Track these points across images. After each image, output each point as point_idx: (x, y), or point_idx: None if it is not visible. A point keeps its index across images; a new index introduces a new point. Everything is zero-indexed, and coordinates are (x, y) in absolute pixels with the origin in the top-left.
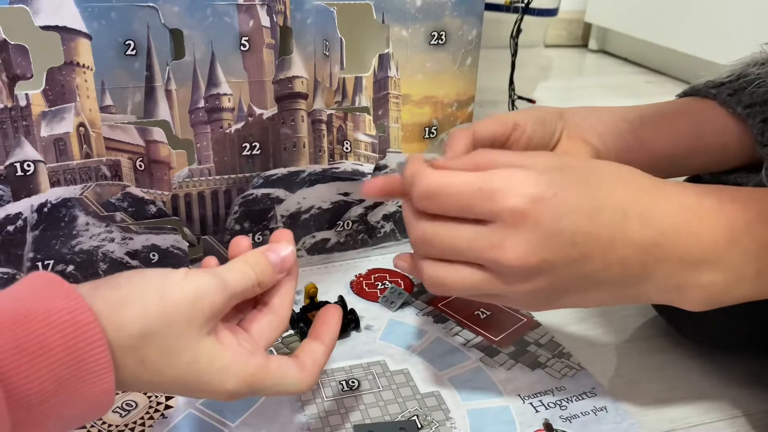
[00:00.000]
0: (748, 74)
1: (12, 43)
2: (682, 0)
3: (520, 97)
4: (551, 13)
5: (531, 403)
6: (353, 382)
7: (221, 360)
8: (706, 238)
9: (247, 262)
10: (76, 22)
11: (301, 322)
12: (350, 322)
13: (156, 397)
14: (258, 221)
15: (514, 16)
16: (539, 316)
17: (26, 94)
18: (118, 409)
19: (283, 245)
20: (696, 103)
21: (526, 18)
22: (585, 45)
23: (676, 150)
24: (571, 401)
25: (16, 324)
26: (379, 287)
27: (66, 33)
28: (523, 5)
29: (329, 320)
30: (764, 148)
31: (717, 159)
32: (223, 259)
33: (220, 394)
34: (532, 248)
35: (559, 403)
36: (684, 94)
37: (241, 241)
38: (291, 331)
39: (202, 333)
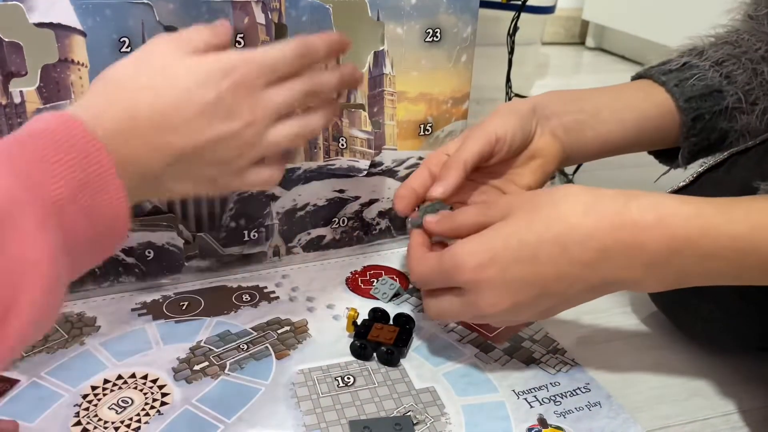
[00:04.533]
0: (693, 66)
1: (6, 40)
2: None
3: (517, 95)
4: (548, 10)
5: (525, 399)
6: (349, 378)
7: (198, 66)
8: (652, 248)
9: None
10: (71, 19)
11: (361, 348)
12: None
13: (152, 393)
14: (253, 218)
15: (511, 14)
16: None
17: (20, 92)
18: (114, 406)
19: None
20: (647, 86)
21: (524, 15)
22: (582, 42)
23: (624, 139)
24: (566, 397)
25: (30, 142)
26: (374, 284)
27: (60, 30)
28: (520, 2)
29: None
30: (686, 141)
31: (650, 140)
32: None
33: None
34: (498, 299)
35: (553, 398)
36: (638, 76)
37: None
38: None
39: (184, 54)
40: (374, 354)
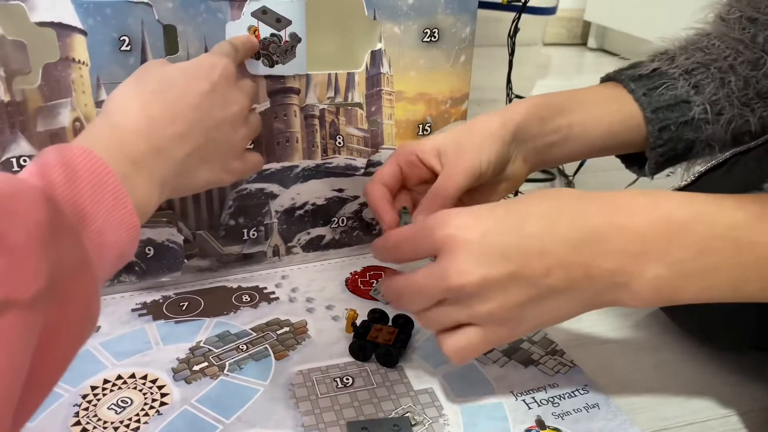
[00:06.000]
0: (663, 73)
1: (10, 38)
2: None
3: (517, 96)
4: (550, 11)
5: (524, 400)
6: (347, 379)
7: (187, 66)
8: (644, 231)
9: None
10: (72, 18)
11: (360, 349)
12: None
13: (151, 393)
14: (252, 217)
15: (512, 15)
16: None
17: (22, 90)
18: (113, 406)
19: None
20: (618, 95)
21: (525, 16)
22: (584, 43)
23: (589, 153)
24: (564, 398)
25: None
26: (374, 285)
27: (62, 29)
28: (521, 3)
29: None
30: (652, 151)
31: (616, 149)
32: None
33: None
34: (469, 267)
35: (551, 400)
36: (608, 78)
37: None
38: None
39: (169, 63)
40: (373, 355)
